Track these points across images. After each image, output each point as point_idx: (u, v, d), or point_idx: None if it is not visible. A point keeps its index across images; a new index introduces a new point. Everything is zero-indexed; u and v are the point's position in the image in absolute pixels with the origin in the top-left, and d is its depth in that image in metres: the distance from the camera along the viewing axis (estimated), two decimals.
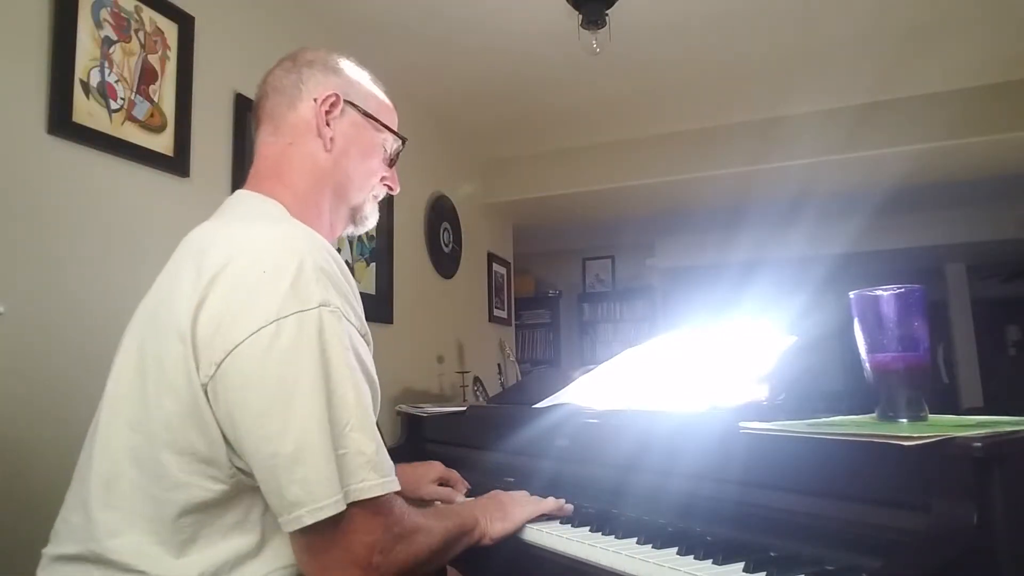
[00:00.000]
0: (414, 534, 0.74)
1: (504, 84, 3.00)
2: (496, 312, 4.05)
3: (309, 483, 0.66)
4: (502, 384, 3.47)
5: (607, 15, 2.23)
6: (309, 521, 0.66)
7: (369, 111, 0.95)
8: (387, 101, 1.01)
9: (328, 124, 0.90)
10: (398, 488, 0.73)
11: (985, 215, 4.79)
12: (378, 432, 0.73)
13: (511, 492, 1.03)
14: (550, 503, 1.00)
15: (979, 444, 0.63)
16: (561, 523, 0.98)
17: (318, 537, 0.68)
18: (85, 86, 1.53)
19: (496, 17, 2.44)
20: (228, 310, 0.70)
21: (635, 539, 0.86)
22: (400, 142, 0.99)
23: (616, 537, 0.88)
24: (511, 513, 0.96)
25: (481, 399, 2.84)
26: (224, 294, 0.71)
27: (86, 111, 1.53)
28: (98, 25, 1.57)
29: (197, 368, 0.69)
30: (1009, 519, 0.62)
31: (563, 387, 1.37)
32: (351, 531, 0.68)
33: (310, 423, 0.67)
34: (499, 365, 3.60)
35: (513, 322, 4.51)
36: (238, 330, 0.68)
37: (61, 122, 1.47)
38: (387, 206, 2.85)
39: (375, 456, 0.70)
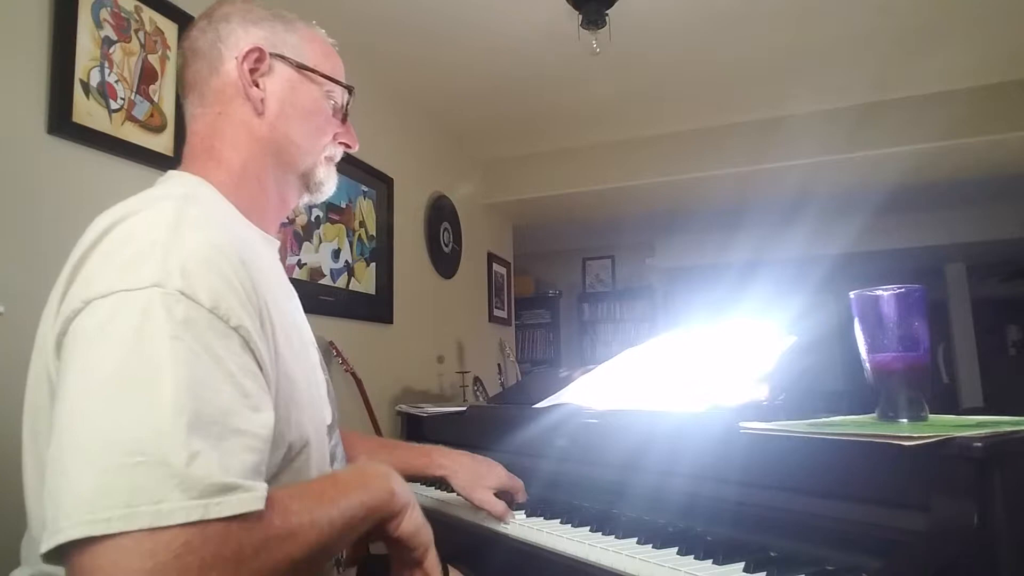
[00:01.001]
0: (260, 552, 0.53)
1: (504, 84, 3.00)
2: (496, 312, 4.05)
3: (59, 494, 0.49)
4: (502, 384, 3.47)
5: (607, 15, 2.23)
6: (45, 548, 0.48)
7: (304, 62, 0.81)
8: (327, 46, 0.87)
9: (256, 84, 0.78)
10: (228, 511, 0.51)
11: (985, 215, 4.79)
12: (225, 438, 0.54)
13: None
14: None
15: (979, 444, 0.63)
16: (561, 523, 0.98)
17: (71, 568, 0.49)
18: (85, 86, 1.53)
19: (496, 17, 2.44)
20: (68, 296, 0.60)
21: (635, 539, 0.86)
22: (350, 93, 0.87)
23: (616, 537, 0.89)
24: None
25: (481, 399, 2.84)
26: (67, 280, 0.61)
27: (86, 111, 1.53)
28: (98, 25, 1.57)
29: (48, 375, 0.62)
30: (1009, 519, 0.62)
31: (563, 387, 1.37)
32: (112, 566, 0.47)
33: (93, 420, 0.51)
34: (499, 365, 3.60)
35: (513, 322, 4.51)
36: (64, 315, 0.58)
37: (61, 122, 1.47)
38: (387, 206, 2.85)
39: (184, 470, 0.49)
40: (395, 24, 2.48)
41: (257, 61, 0.78)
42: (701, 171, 3.56)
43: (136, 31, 1.67)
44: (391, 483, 0.70)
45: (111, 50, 1.60)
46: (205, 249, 0.60)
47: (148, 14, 1.71)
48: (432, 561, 0.75)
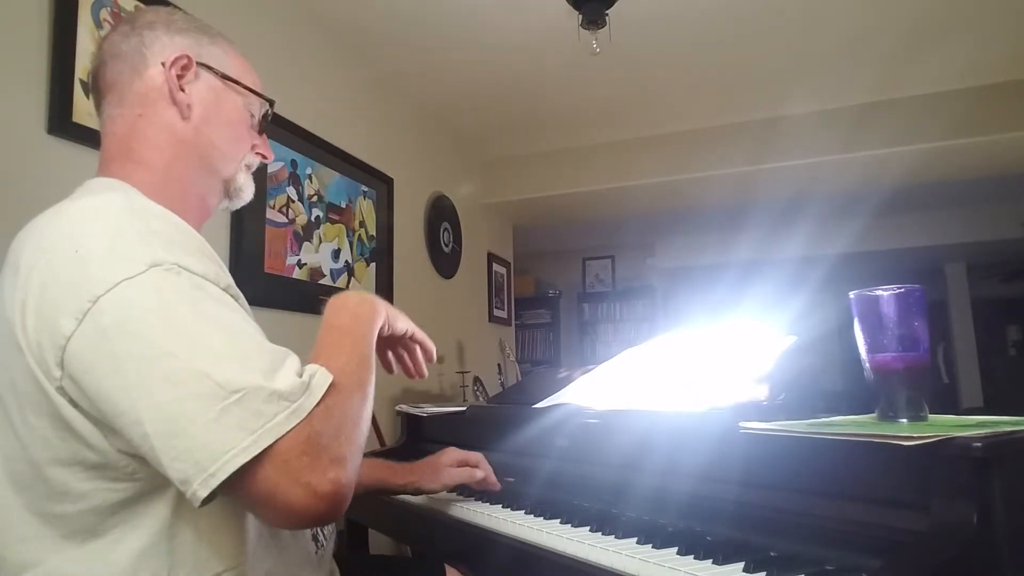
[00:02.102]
0: (347, 404, 0.65)
1: (504, 84, 3.00)
2: (496, 312, 4.05)
3: (189, 454, 0.57)
4: (502, 384, 3.47)
5: (607, 15, 2.23)
6: (204, 494, 0.57)
7: (227, 73, 0.85)
8: (246, 61, 0.90)
9: (183, 89, 0.80)
10: (317, 398, 0.62)
11: (985, 215, 4.80)
12: (270, 360, 0.63)
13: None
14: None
15: (979, 444, 0.63)
16: (561, 522, 0.98)
17: (244, 490, 0.58)
18: (85, 86, 1.53)
19: (496, 17, 2.44)
20: (48, 304, 0.61)
21: (635, 539, 0.86)
22: (268, 105, 0.90)
23: (616, 537, 0.88)
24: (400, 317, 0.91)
25: (481, 399, 2.84)
26: (41, 288, 0.62)
27: (86, 111, 1.53)
28: (98, 25, 1.57)
29: (45, 374, 0.61)
30: (1009, 519, 0.62)
31: (563, 387, 1.37)
32: (279, 465, 0.58)
33: (169, 393, 0.58)
34: (499, 365, 3.60)
35: (513, 322, 4.51)
36: (64, 322, 0.60)
37: (61, 122, 1.47)
38: (387, 206, 2.85)
39: (279, 385, 0.60)
40: (395, 24, 2.48)
41: (184, 68, 0.80)
42: (701, 171, 3.56)
43: None
44: (371, 300, 0.83)
45: None
46: (171, 228, 0.67)
47: None
48: (420, 333, 0.96)
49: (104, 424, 0.61)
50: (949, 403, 5.37)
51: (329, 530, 0.92)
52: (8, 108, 1.40)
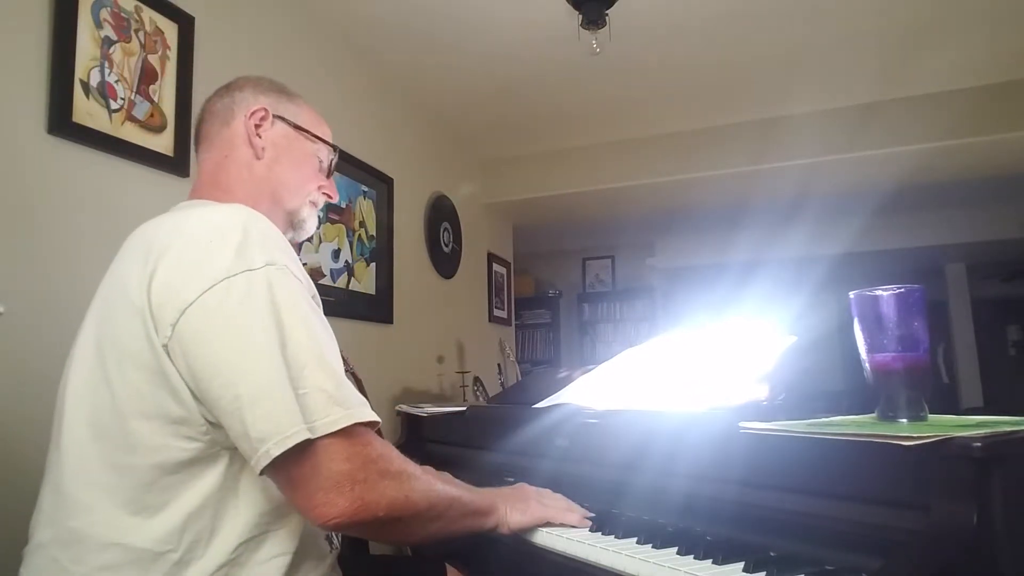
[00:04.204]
0: (402, 476, 0.76)
1: (504, 84, 3.00)
2: (496, 312, 4.06)
3: (273, 417, 0.69)
4: (502, 384, 3.47)
5: (607, 15, 2.23)
6: (276, 452, 0.68)
7: (300, 124, 1.01)
8: (320, 116, 1.07)
9: (259, 135, 0.97)
10: (369, 419, 0.75)
11: (985, 215, 4.79)
12: (341, 373, 0.76)
13: (538, 488, 1.02)
14: (576, 517, 0.97)
15: (979, 444, 0.63)
16: None
17: (295, 469, 0.70)
18: (85, 86, 1.53)
19: (496, 17, 2.44)
20: (179, 275, 0.74)
21: (635, 539, 0.86)
22: (335, 153, 1.06)
23: (616, 537, 0.89)
24: (532, 508, 0.96)
25: (481, 399, 2.84)
26: (173, 263, 0.75)
27: (86, 111, 1.53)
28: (98, 25, 1.57)
29: (156, 331, 0.73)
30: (1009, 519, 0.62)
31: (563, 387, 1.37)
32: (326, 460, 0.70)
33: (267, 365, 0.70)
34: (499, 365, 3.60)
35: (513, 322, 4.51)
36: (189, 291, 0.72)
37: (61, 122, 1.47)
38: (387, 206, 2.85)
39: (336, 392, 0.73)
40: (395, 24, 2.48)
41: (262, 119, 0.98)
42: (701, 171, 3.56)
43: (136, 31, 1.67)
44: (495, 496, 0.95)
45: (111, 50, 1.60)
46: (280, 237, 0.81)
47: (148, 14, 1.71)
48: (553, 512, 0.97)
49: (189, 386, 0.73)
50: (949, 403, 5.37)
51: (338, 538, 0.94)
52: (8, 108, 1.40)
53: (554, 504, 0.99)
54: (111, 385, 0.76)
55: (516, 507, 0.94)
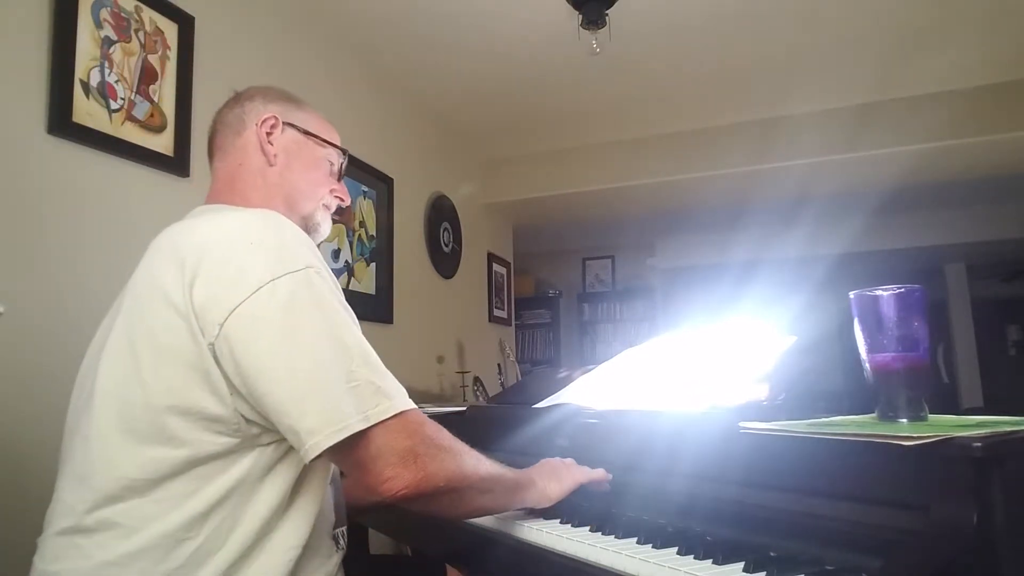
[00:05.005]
0: (455, 451, 0.82)
1: (504, 84, 3.00)
2: (496, 312, 4.06)
3: (326, 410, 0.73)
4: (502, 384, 3.47)
5: (607, 15, 2.23)
6: (328, 443, 0.72)
7: (309, 129, 1.04)
8: (326, 123, 1.09)
9: (271, 143, 1.00)
10: (412, 407, 0.80)
11: (985, 215, 4.79)
12: (382, 366, 0.81)
13: (561, 459, 1.07)
14: (599, 472, 1.05)
15: (979, 444, 0.63)
16: (561, 522, 0.98)
17: (359, 452, 0.75)
18: (85, 86, 1.53)
19: (496, 17, 2.44)
20: (223, 279, 0.76)
21: (635, 539, 0.86)
22: (345, 157, 1.09)
23: (616, 537, 0.88)
24: (564, 477, 1.01)
25: (481, 399, 2.84)
26: (215, 267, 0.77)
27: (86, 111, 1.53)
28: (98, 25, 1.57)
29: (202, 332, 0.75)
30: (1009, 519, 0.62)
31: (563, 387, 1.37)
32: (388, 440, 0.76)
33: (318, 361, 0.75)
34: (499, 365, 3.60)
35: (513, 322, 4.51)
36: (236, 293, 0.75)
37: (61, 122, 1.47)
38: (387, 206, 2.85)
39: (383, 384, 0.79)
40: (395, 24, 2.48)
41: (272, 126, 1.00)
42: (701, 171, 3.56)
43: (136, 31, 1.67)
44: (530, 473, 1.00)
45: (111, 50, 1.60)
46: (310, 241, 0.85)
47: (148, 14, 1.71)
48: (581, 476, 1.03)
49: (233, 383, 0.76)
50: (949, 403, 5.37)
51: (344, 539, 0.94)
52: (8, 108, 1.40)
53: (580, 469, 1.05)
54: (142, 378, 0.78)
55: (551, 480, 1.00)
